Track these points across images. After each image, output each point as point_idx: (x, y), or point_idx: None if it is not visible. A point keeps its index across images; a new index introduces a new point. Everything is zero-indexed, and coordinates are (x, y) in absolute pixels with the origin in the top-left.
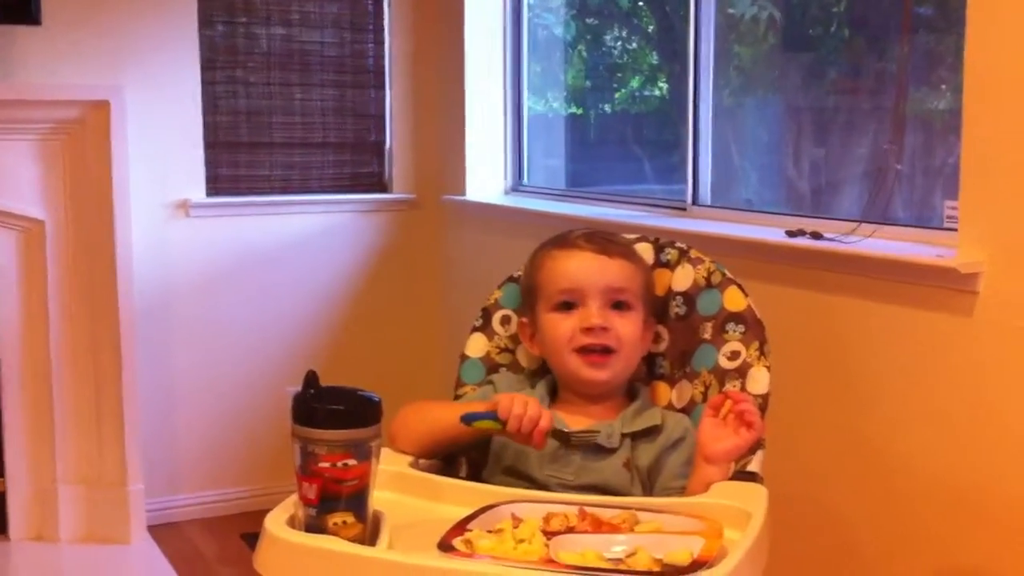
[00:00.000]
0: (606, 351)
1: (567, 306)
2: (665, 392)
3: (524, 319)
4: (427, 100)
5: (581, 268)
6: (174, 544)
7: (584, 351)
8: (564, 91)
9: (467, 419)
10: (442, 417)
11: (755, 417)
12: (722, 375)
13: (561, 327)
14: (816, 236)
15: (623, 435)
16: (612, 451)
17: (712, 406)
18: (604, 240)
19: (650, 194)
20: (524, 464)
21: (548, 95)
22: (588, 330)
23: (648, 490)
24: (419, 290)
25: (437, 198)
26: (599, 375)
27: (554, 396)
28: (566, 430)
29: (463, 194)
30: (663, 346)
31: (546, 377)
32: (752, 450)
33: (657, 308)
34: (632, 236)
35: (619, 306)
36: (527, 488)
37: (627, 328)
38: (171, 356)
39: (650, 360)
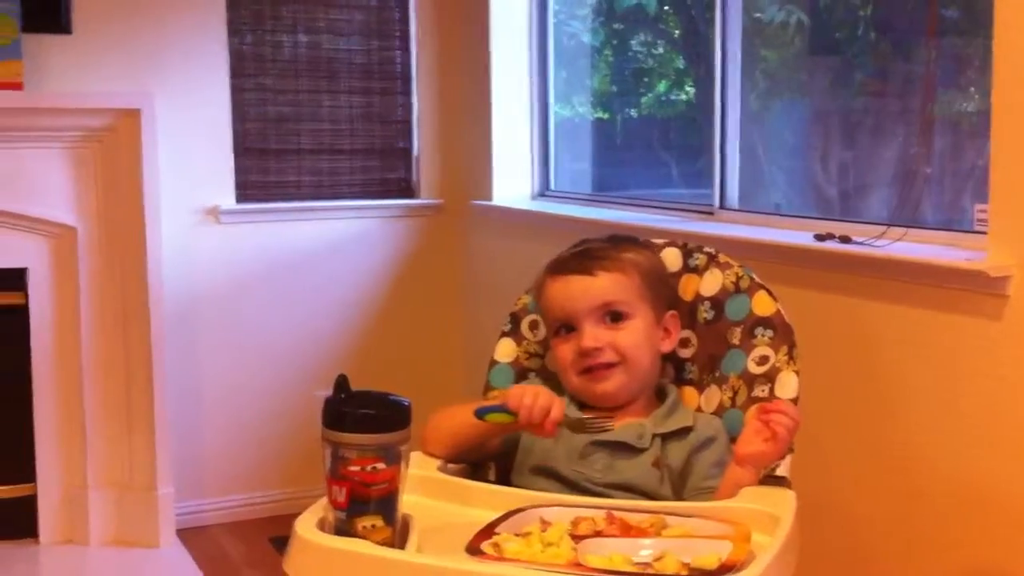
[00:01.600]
0: (608, 366)
1: (568, 329)
2: (693, 397)
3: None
4: (454, 106)
5: (567, 294)
6: (203, 548)
7: (585, 371)
8: (590, 96)
9: (480, 413)
10: (462, 418)
11: (781, 428)
12: (751, 380)
13: (562, 352)
14: (845, 240)
15: (654, 435)
16: (642, 450)
17: (762, 410)
18: (588, 258)
19: (677, 198)
20: (552, 462)
21: (574, 100)
22: (584, 354)
23: (678, 491)
24: (447, 295)
25: (464, 203)
26: (604, 386)
27: None
28: (581, 416)
29: (490, 199)
30: (691, 351)
31: None
32: (780, 456)
33: (685, 313)
34: (660, 241)
35: (616, 317)
36: (555, 486)
37: (626, 338)
38: (201, 361)
39: (678, 365)
